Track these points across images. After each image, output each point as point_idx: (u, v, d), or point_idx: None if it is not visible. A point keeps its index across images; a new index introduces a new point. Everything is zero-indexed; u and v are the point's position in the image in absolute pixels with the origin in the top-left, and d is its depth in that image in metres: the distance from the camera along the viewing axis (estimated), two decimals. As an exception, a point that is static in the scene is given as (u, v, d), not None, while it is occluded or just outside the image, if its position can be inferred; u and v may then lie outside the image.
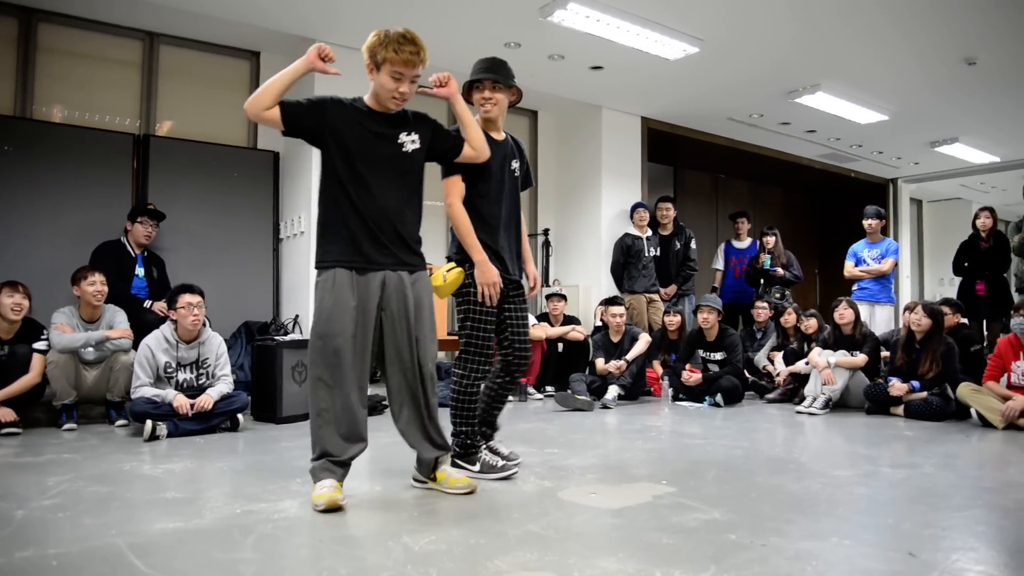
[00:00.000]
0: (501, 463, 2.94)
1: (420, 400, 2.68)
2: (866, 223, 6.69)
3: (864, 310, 5.97)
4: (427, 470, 2.77)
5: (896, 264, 6.69)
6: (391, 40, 2.49)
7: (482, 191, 2.95)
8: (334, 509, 2.41)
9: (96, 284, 4.31)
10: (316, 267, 2.61)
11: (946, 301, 5.62)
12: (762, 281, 6.95)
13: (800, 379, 5.65)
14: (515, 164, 3.08)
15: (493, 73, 2.96)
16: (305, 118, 2.54)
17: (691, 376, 5.63)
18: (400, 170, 2.63)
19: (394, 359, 2.64)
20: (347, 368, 2.51)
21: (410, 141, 2.65)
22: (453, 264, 2.94)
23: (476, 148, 2.84)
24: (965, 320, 6.16)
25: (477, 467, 2.95)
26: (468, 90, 3.03)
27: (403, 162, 2.64)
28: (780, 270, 6.88)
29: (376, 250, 2.57)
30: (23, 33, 5.27)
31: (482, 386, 3.03)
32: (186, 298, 4.15)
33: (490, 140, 2.95)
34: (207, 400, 4.05)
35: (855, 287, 6.74)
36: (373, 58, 2.53)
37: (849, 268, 6.74)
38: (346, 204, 2.56)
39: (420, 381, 2.66)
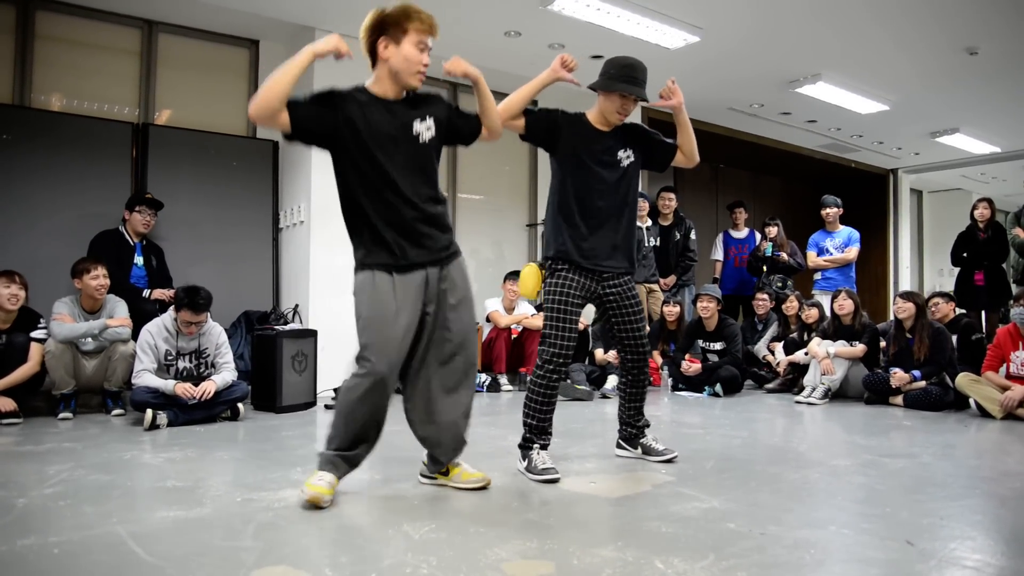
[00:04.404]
0: (543, 467, 2.83)
1: (464, 400, 2.58)
2: (824, 212, 6.84)
3: (827, 300, 6.03)
4: (439, 466, 2.69)
5: (858, 252, 6.78)
6: (410, 9, 2.35)
7: (580, 183, 2.95)
8: (316, 507, 2.35)
9: (99, 278, 4.28)
10: (355, 271, 2.49)
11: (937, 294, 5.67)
12: (764, 268, 6.95)
13: (799, 369, 5.66)
14: (622, 154, 3.01)
15: (642, 89, 2.93)
16: (316, 118, 2.34)
17: (690, 366, 5.64)
18: (419, 161, 2.46)
19: (435, 359, 2.52)
20: (389, 375, 2.41)
21: (425, 128, 2.47)
22: (535, 265, 3.07)
23: (491, 130, 2.67)
24: (964, 310, 6.18)
25: (524, 464, 2.91)
26: (602, 86, 2.96)
27: (420, 151, 2.47)
28: (784, 255, 6.88)
29: (412, 248, 2.44)
30: (21, 21, 5.23)
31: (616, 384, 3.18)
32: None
33: (598, 132, 2.98)
34: (209, 387, 4.06)
35: (818, 276, 6.80)
36: (395, 31, 2.35)
37: (812, 258, 6.83)
38: (370, 205, 2.41)
39: (466, 380, 2.57)
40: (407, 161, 2.43)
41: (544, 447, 2.94)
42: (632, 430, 3.23)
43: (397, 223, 2.42)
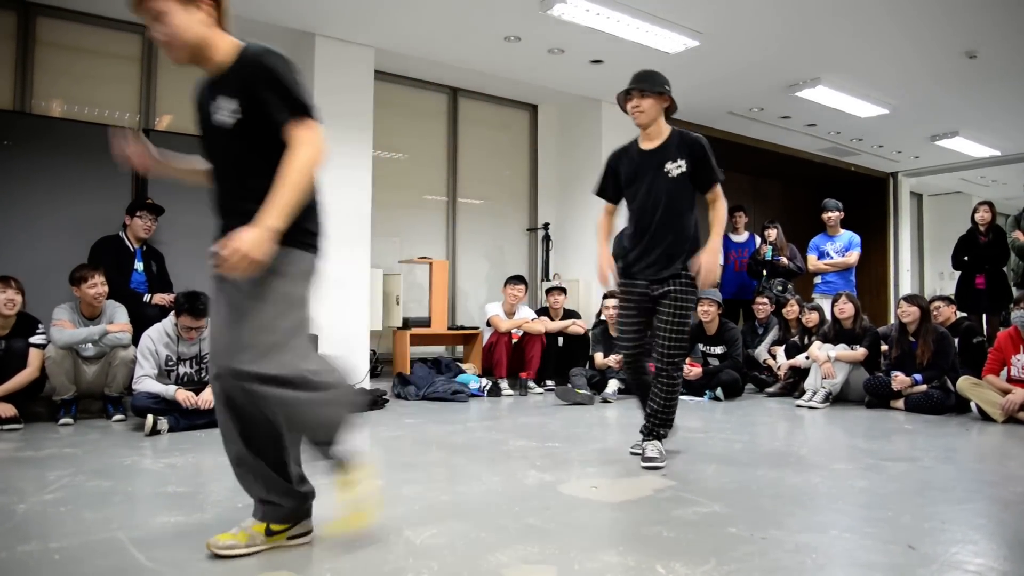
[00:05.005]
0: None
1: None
2: (826, 216, 6.83)
3: (827, 304, 6.02)
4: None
5: (859, 255, 6.78)
6: None
7: (631, 200, 3.28)
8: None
9: (97, 286, 4.27)
10: None
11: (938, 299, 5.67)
12: (764, 272, 6.95)
13: (800, 373, 5.66)
14: (671, 165, 3.15)
15: (638, 83, 3.15)
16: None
17: (691, 370, 5.63)
18: (223, 149, 2.06)
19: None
20: (217, 375, 2.00)
21: (227, 111, 1.99)
22: None
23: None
24: (965, 313, 6.18)
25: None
26: (623, 103, 3.24)
27: (221, 139, 2.02)
28: (783, 259, 6.88)
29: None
30: (22, 27, 5.25)
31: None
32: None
33: (641, 152, 3.23)
34: (211, 396, 4.04)
35: (818, 280, 6.80)
36: None
37: (813, 261, 6.83)
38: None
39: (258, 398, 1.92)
40: (211, 144, 2.11)
41: (644, 436, 3.25)
42: (645, 424, 3.25)
43: (217, 212, 2.10)
